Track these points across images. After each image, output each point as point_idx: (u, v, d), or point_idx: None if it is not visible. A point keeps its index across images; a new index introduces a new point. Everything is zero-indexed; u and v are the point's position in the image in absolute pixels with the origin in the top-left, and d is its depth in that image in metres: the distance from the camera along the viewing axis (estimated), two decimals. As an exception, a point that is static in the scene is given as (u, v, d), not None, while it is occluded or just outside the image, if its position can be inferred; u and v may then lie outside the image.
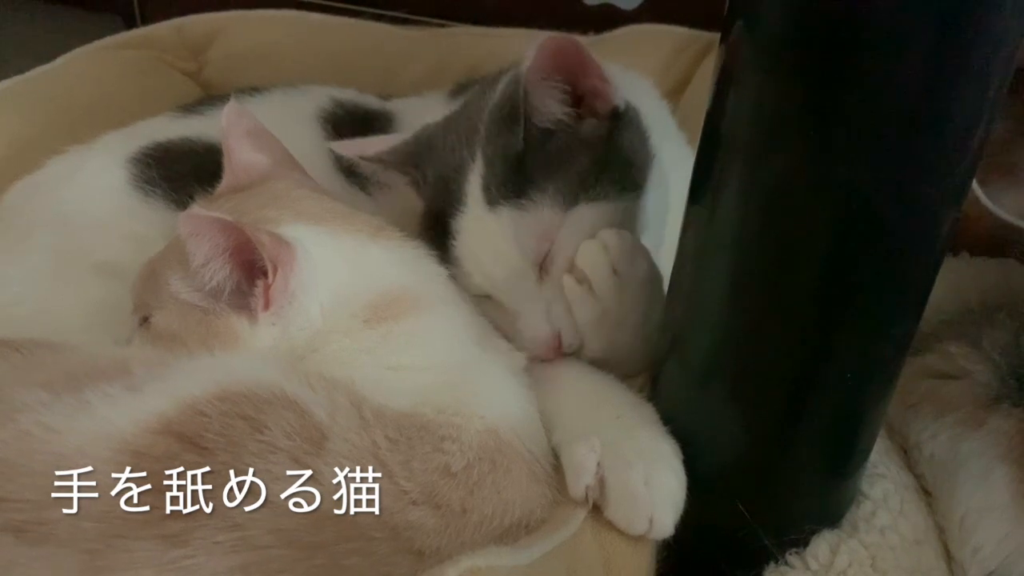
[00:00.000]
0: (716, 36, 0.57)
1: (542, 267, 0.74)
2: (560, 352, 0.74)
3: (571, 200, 0.73)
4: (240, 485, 0.52)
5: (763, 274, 0.59)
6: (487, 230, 0.75)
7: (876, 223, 0.55)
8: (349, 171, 0.91)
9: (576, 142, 0.75)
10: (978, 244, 0.91)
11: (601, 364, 0.75)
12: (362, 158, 0.82)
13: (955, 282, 0.87)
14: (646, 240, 0.76)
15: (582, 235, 0.73)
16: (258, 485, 0.52)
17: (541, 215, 0.73)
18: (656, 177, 0.77)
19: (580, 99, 0.76)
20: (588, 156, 0.75)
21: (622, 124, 0.77)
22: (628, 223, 0.75)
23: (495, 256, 0.75)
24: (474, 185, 0.76)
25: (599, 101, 0.76)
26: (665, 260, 0.72)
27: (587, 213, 0.74)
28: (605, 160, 0.75)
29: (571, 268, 0.73)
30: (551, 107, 0.74)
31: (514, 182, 0.74)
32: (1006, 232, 0.89)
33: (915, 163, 0.53)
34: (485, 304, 0.77)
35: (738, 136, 0.57)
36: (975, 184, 0.86)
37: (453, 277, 0.77)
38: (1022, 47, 0.51)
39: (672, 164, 0.79)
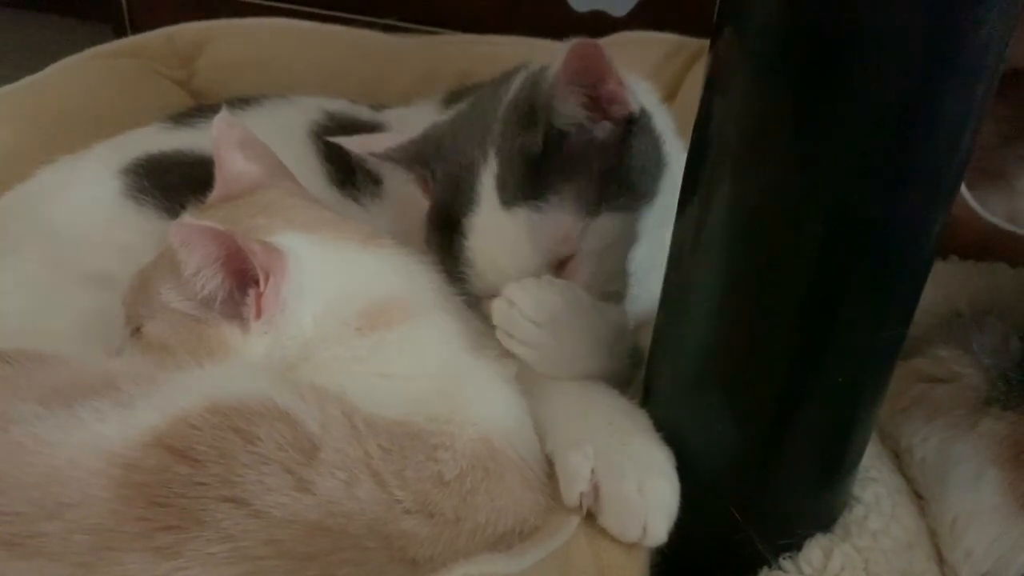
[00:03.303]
0: (706, 42, 0.57)
1: (557, 271, 0.74)
2: None
3: (592, 208, 0.74)
4: (232, 496, 0.52)
5: (753, 279, 0.59)
6: (502, 230, 0.75)
7: (865, 227, 0.55)
8: (341, 182, 0.91)
9: (591, 146, 0.76)
10: (967, 248, 0.91)
11: None
12: (371, 154, 0.82)
13: (944, 286, 0.88)
14: (646, 247, 0.76)
15: (604, 247, 0.74)
16: (251, 496, 0.52)
17: (559, 219, 0.74)
18: (667, 184, 0.77)
19: (596, 103, 0.76)
20: (603, 161, 0.75)
21: (636, 129, 0.77)
22: (641, 230, 0.76)
23: (510, 256, 0.75)
24: (487, 184, 0.76)
25: (616, 106, 0.76)
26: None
27: (609, 224, 0.74)
28: (620, 166, 0.75)
29: None
30: (573, 110, 0.75)
31: (530, 183, 0.74)
32: (995, 236, 0.90)
33: (903, 167, 0.53)
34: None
35: (727, 141, 0.57)
36: (963, 188, 0.86)
37: (463, 277, 0.77)
38: (1009, 51, 0.51)
39: (679, 171, 0.79)
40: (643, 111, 0.78)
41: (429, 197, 0.83)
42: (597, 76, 0.74)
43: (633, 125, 0.77)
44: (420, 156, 0.82)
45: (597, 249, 0.74)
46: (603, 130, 0.76)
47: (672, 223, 0.75)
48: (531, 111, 0.75)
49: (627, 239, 0.76)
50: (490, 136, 0.78)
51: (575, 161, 0.75)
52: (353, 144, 0.84)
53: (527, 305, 0.70)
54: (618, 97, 0.76)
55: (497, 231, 0.76)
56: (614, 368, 0.74)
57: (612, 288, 0.76)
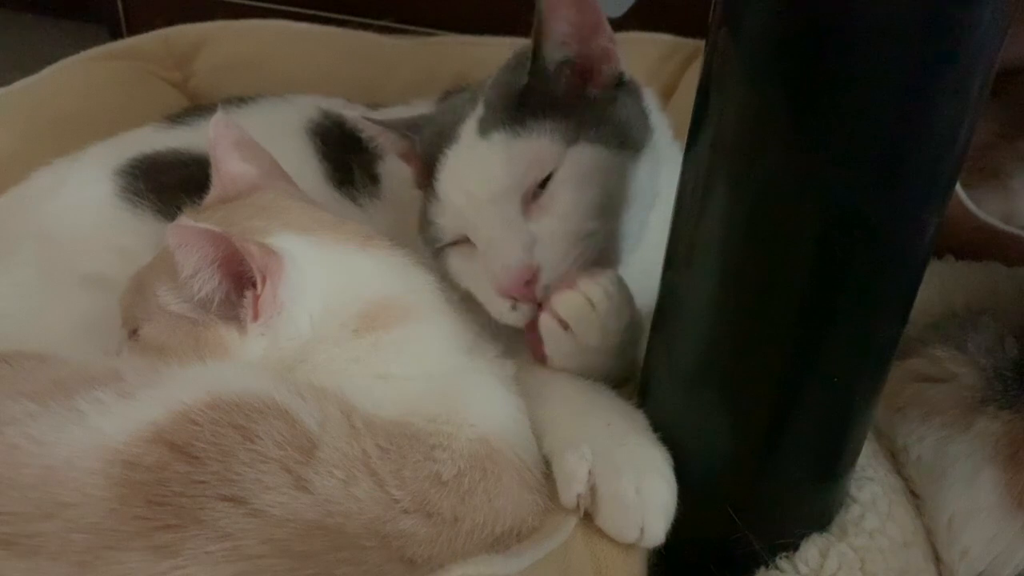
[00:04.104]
0: (702, 43, 0.58)
1: (530, 204, 0.73)
2: (531, 291, 0.71)
3: (571, 138, 0.73)
4: (231, 495, 0.52)
5: (749, 279, 0.59)
6: (476, 156, 0.75)
7: (861, 227, 0.55)
8: (339, 181, 0.91)
9: (579, 97, 0.76)
10: (963, 247, 0.91)
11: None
12: (365, 118, 0.83)
13: (940, 285, 0.88)
14: (632, 213, 0.76)
15: (582, 176, 0.73)
16: (249, 495, 0.52)
17: (536, 142, 0.73)
18: (651, 151, 0.77)
19: (587, 65, 0.76)
20: (589, 110, 0.75)
21: (624, 92, 0.78)
22: (622, 183, 0.75)
23: (481, 180, 0.74)
24: (470, 124, 0.77)
25: (606, 64, 0.76)
26: (650, 252, 0.71)
27: (587, 153, 0.73)
28: (605, 116, 0.75)
29: (549, 304, 0.71)
30: (564, 34, 0.74)
31: (512, 114, 0.74)
32: (990, 235, 0.90)
33: (899, 167, 0.53)
34: (459, 253, 0.77)
35: (723, 141, 0.57)
36: (959, 187, 0.87)
37: (433, 224, 0.77)
38: (1003, 50, 0.51)
39: (665, 158, 0.79)
40: (632, 80, 0.79)
41: (414, 167, 0.83)
42: (589, 24, 0.74)
43: (621, 89, 0.78)
44: (413, 126, 0.83)
45: (574, 177, 0.72)
46: (592, 91, 0.76)
47: (653, 200, 0.76)
48: (520, 59, 0.76)
49: (607, 178, 0.74)
50: (481, 91, 0.79)
51: (561, 103, 0.74)
52: (351, 113, 0.85)
53: (607, 311, 0.69)
54: (610, 54, 0.76)
55: (471, 158, 0.75)
56: (620, 368, 0.74)
57: (590, 228, 0.73)
